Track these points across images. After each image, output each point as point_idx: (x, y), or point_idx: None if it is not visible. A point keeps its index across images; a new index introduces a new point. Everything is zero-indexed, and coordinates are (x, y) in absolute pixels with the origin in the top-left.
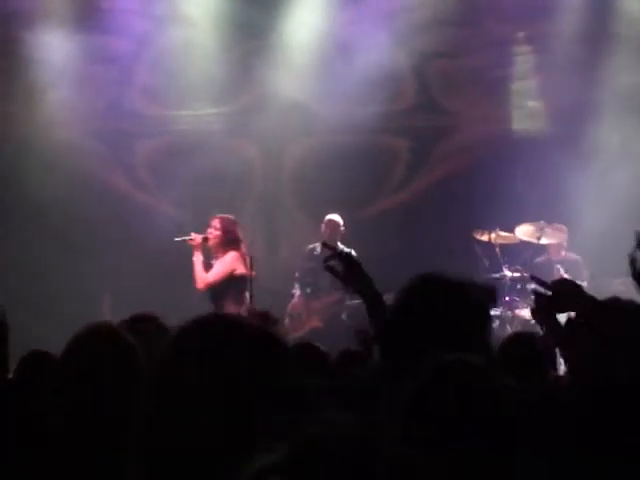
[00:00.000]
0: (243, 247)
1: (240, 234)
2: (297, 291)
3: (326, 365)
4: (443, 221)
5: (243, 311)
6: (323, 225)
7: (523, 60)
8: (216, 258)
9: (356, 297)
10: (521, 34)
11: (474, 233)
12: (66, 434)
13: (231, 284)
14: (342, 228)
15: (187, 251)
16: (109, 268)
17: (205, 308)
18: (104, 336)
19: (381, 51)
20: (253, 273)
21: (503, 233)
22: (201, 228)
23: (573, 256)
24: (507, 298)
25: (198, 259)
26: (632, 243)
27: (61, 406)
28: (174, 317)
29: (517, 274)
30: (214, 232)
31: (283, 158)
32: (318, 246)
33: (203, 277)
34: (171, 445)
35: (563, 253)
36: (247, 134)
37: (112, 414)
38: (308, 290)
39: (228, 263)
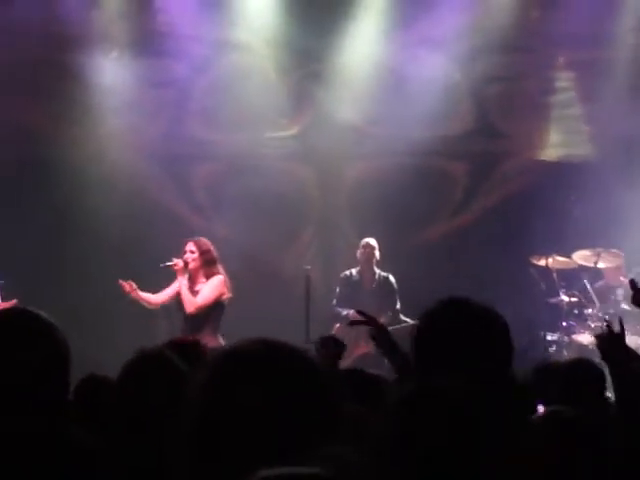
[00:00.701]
0: (221, 268)
1: (216, 254)
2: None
3: (381, 391)
4: (499, 245)
5: (219, 341)
6: (360, 249)
7: (578, 85)
8: (196, 282)
9: (399, 322)
10: (577, 59)
11: (531, 258)
12: (118, 454)
13: (211, 311)
14: (377, 252)
15: (238, 274)
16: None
17: (254, 330)
18: (156, 362)
19: (439, 75)
20: (229, 295)
21: (560, 258)
22: (259, 253)
23: None
24: (564, 323)
25: (183, 284)
26: None
27: (116, 428)
28: (229, 340)
29: (574, 299)
30: (191, 256)
31: (340, 180)
32: (354, 271)
33: (192, 301)
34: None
35: (622, 278)
36: (303, 157)
37: (162, 437)
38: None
39: (216, 287)
